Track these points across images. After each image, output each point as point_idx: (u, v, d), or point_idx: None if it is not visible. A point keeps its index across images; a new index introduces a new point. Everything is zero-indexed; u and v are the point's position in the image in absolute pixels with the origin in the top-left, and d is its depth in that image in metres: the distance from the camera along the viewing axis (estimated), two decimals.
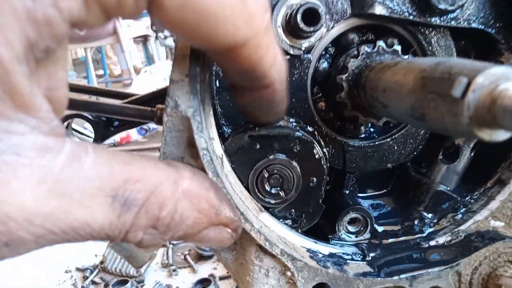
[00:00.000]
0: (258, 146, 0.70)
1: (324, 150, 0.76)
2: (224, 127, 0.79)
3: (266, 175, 0.72)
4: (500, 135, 0.45)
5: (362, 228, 0.78)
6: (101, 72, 9.73)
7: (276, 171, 0.72)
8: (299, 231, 0.75)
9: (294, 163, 0.72)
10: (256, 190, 0.72)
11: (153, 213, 0.46)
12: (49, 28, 0.37)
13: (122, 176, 0.44)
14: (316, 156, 0.72)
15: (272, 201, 0.73)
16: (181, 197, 0.49)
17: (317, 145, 0.72)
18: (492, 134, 0.45)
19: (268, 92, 0.57)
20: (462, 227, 0.79)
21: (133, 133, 4.37)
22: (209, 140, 0.65)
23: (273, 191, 0.73)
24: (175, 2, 0.41)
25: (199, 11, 0.42)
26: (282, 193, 0.73)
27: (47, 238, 0.40)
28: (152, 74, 6.20)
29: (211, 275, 1.85)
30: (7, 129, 0.37)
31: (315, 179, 0.73)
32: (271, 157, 0.71)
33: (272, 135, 0.70)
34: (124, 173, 0.44)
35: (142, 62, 9.13)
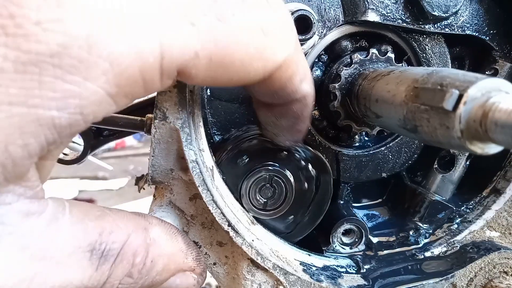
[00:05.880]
0: (248, 157, 0.69)
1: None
2: (215, 136, 0.77)
3: (258, 186, 0.70)
4: (492, 149, 0.44)
5: (356, 240, 0.77)
6: None
7: (269, 182, 0.71)
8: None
9: (288, 173, 0.71)
10: (248, 201, 0.70)
11: (128, 260, 0.49)
12: (69, 129, 0.39)
13: (96, 230, 0.46)
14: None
15: (264, 212, 0.71)
16: (151, 242, 0.52)
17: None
18: (484, 148, 0.44)
19: (298, 105, 0.56)
20: (458, 238, 0.78)
21: (128, 138, 4.36)
22: (199, 151, 0.64)
23: (266, 202, 0.71)
24: (201, 67, 0.42)
25: (225, 64, 0.43)
26: (275, 204, 0.72)
27: None
28: None
29: (208, 283, 1.84)
30: None
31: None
32: (264, 167, 0.70)
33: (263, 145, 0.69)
34: (98, 227, 0.47)
35: None
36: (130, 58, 0.38)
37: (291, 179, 0.71)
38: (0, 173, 0.38)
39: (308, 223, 0.73)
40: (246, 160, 0.70)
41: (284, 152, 0.70)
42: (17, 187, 0.41)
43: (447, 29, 0.75)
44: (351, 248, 0.77)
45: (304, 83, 0.52)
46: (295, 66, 0.49)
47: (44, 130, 0.37)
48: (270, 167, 0.71)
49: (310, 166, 0.71)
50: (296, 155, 0.70)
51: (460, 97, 0.45)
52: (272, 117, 0.59)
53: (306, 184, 0.72)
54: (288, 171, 0.71)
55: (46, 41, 0.36)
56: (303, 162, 0.71)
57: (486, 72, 0.80)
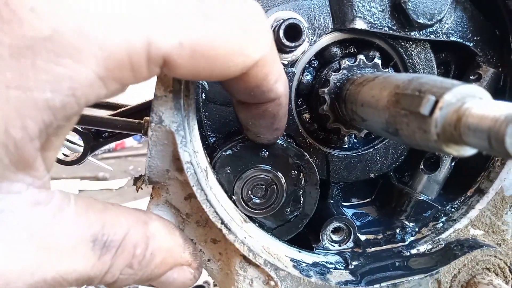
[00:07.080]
0: (242, 157, 0.72)
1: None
2: (210, 138, 0.80)
3: (250, 186, 0.73)
4: (467, 151, 0.47)
5: (345, 237, 0.80)
6: None
7: (260, 182, 0.74)
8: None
9: (279, 174, 0.74)
10: (241, 200, 0.74)
11: (128, 251, 0.51)
12: (63, 111, 0.41)
13: (99, 222, 0.49)
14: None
15: (257, 211, 0.74)
16: (151, 236, 0.55)
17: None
18: (459, 150, 0.47)
19: (273, 105, 0.59)
20: (443, 236, 0.81)
21: (128, 139, 4.39)
22: (193, 153, 0.67)
23: (257, 201, 0.74)
24: (185, 57, 0.44)
25: (208, 56, 0.46)
26: (267, 203, 0.75)
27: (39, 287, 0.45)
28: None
29: (206, 281, 1.86)
30: (8, 190, 0.42)
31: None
32: (256, 167, 0.73)
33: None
34: (100, 219, 0.50)
35: None
36: (118, 42, 0.41)
37: (282, 180, 0.75)
38: (4, 155, 0.40)
39: (297, 222, 0.77)
40: (240, 161, 0.73)
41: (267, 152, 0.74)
42: (26, 176, 0.43)
43: (432, 36, 0.78)
44: (340, 246, 0.80)
45: (278, 84, 0.56)
46: (271, 66, 0.52)
47: (40, 112, 0.40)
48: (262, 168, 0.74)
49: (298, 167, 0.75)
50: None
51: (436, 102, 0.48)
52: (251, 117, 0.63)
53: (295, 184, 0.75)
54: (279, 172, 0.74)
55: (39, 26, 0.38)
56: (290, 160, 0.74)
57: (471, 77, 0.83)
